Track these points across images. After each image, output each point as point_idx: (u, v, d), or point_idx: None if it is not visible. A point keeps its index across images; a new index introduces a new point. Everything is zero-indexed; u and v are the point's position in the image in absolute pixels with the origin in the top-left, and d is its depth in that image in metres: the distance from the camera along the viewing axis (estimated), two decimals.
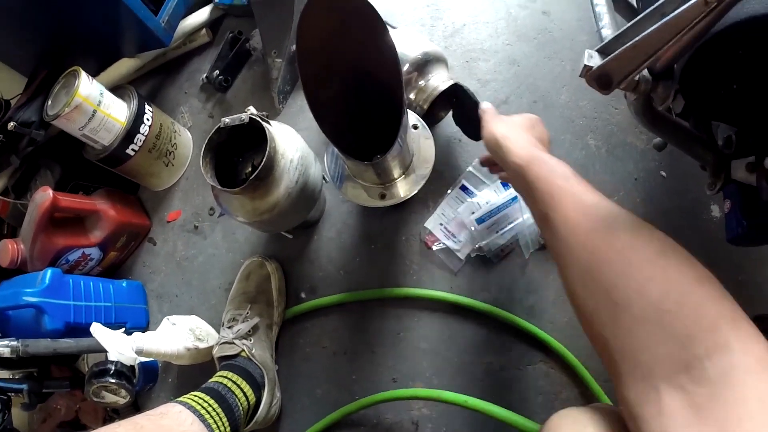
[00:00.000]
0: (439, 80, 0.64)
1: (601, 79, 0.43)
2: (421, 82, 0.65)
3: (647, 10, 0.40)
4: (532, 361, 0.66)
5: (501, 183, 0.69)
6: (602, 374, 0.62)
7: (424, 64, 0.64)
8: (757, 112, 0.43)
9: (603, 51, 0.44)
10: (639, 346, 0.29)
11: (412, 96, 0.65)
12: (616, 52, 0.41)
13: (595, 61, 0.43)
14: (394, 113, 0.51)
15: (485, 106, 0.55)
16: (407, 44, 0.64)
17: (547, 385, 0.65)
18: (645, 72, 0.43)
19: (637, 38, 0.39)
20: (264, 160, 0.56)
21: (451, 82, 0.64)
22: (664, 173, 0.71)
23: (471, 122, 0.64)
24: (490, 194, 0.69)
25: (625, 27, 0.43)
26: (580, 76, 0.44)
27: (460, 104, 0.67)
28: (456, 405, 0.61)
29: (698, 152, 0.53)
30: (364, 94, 0.57)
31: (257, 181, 0.57)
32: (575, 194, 0.38)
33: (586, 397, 0.63)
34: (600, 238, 0.34)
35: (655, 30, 0.37)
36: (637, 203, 0.69)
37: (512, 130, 0.49)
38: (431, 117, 0.68)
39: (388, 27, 0.62)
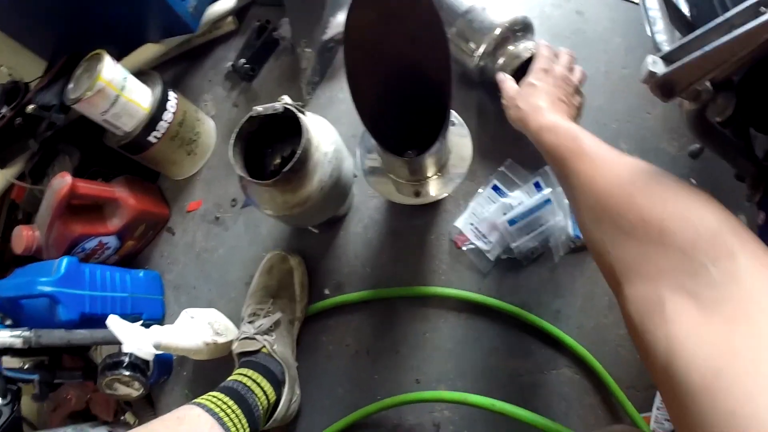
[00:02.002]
0: (530, 45, 0.66)
1: (664, 87, 0.42)
2: (511, 47, 0.65)
3: (715, 22, 0.40)
4: (557, 366, 0.65)
5: (534, 184, 0.68)
6: (626, 381, 0.61)
7: (515, 30, 0.66)
8: None
9: (667, 58, 0.43)
10: (643, 262, 0.30)
11: (500, 60, 0.66)
12: (684, 60, 0.40)
13: (659, 68, 0.42)
14: (438, 109, 0.50)
15: (507, 90, 0.59)
16: (495, 12, 0.66)
17: (571, 391, 0.64)
18: (707, 82, 0.43)
19: (706, 48, 0.38)
20: (299, 152, 0.55)
21: None
22: (694, 181, 0.70)
23: None
24: (523, 195, 0.67)
25: (691, 36, 0.42)
26: (643, 82, 0.43)
27: None
28: (482, 408, 0.60)
29: (741, 163, 0.53)
30: (409, 87, 0.55)
31: (291, 173, 0.55)
32: (581, 147, 0.41)
33: (609, 404, 0.62)
34: (606, 177, 0.37)
35: (725, 42, 0.37)
36: None
37: (525, 103, 0.54)
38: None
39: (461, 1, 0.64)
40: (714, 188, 0.67)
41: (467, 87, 0.74)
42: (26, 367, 0.72)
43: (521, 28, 0.65)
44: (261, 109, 0.59)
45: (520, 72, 0.66)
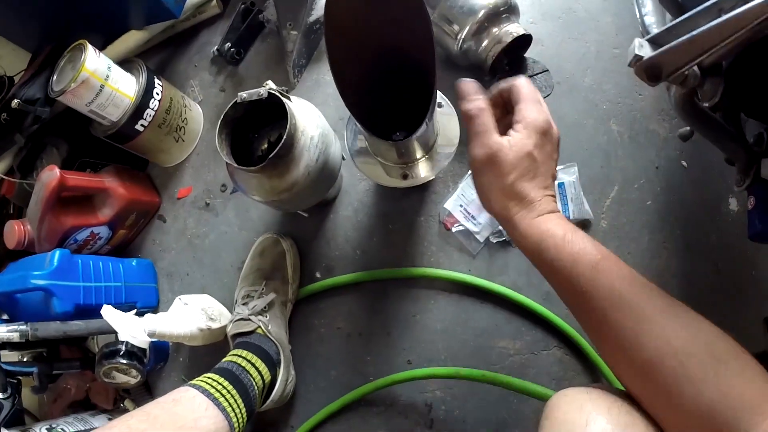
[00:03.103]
0: (514, 27, 0.65)
1: (650, 71, 0.41)
2: (495, 29, 0.65)
3: (704, 5, 0.39)
4: (547, 347, 0.66)
5: None
6: None
7: (499, 12, 0.65)
8: None
9: (654, 41, 0.42)
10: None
11: (485, 42, 0.65)
12: (671, 44, 0.39)
13: (645, 51, 0.41)
14: (424, 91, 0.49)
15: (479, 145, 0.41)
16: None
17: (561, 370, 0.65)
18: (695, 67, 0.42)
19: (694, 32, 0.37)
20: (284, 137, 0.55)
21: (526, 31, 0.64)
22: (685, 163, 0.70)
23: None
24: None
25: (679, 19, 0.41)
26: (629, 65, 0.43)
27: (518, 62, 0.68)
28: (473, 380, 0.61)
29: (731, 148, 0.53)
30: (393, 70, 0.55)
31: (276, 159, 0.55)
32: (614, 289, 0.35)
33: (598, 382, 0.64)
34: (654, 345, 0.34)
35: (714, 26, 0.36)
36: (657, 192, 0.69)
37: (514, 191, 0.40)
38: (496, 66, 0.68)
39: None
40: (705, 171, 0.68)
41: (452, 70, 0.73)
42: (25, 360, 0.73)
43: (506, 10, 0.64)
44: (246, 95, 0.58)
45: (504, 55, 0.65)
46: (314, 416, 0.69)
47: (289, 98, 0.58)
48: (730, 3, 0.38)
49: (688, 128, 0.69)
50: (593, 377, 0.65)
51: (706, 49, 0.38)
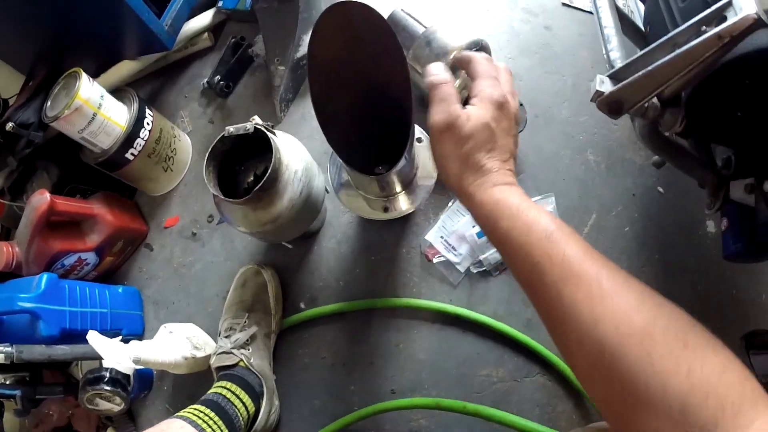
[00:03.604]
0: None
1: (611, 105, 0.44)
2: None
3: (659, 41, 0.41)
4: (530, 374, 0.67)
5: None
6: None
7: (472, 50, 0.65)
8: (759, 137, 0.44)
9: (614, 77, 0.45)
10: None
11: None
12: (629, 79, 0.41)
13: (606, 87, 0.44)
14: (403, 126, 0.51)
15: (438, 111, 0.41)
16: (450, 35, 0.65)
17: (544, 397, 0.66)
18: (654, 99, 0.44)
19: (650, 67, 0.40)
20: (269, 171, 0.56)
21: None
22: (661, 189, 0.72)
23: None
24: None
25: (636, 55, 0.44)
26: (591, 101, 0.45)
27: None
28: (455, 411, 0.62)
29: (699, 174, 0.55)
30: (373, 107, 0.57)
31: (261, 192, 0.57)
32: (567, 262, 0.32)
33: (582, 409, 0.64)
34: (610, 320, 0.30)
35: (668, 60, 0.38)
36: (634, 219, 0.71)
37: (471, 162, 0.39)
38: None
39: (420, 25, 0.61)
40: (681, 196, 0.70)
41: (426, 110, 0.76)
42: (8, 383, 0.73)
43: (479, 49, 0.66)
44: (233, 129, 0.60)
45: None
46: None
47: (274, 133, 0.60)
48: (683, 38, 0.40)
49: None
50: (576, 401, 0.65)
51: (663, 82, 0.40)
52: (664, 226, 0.70)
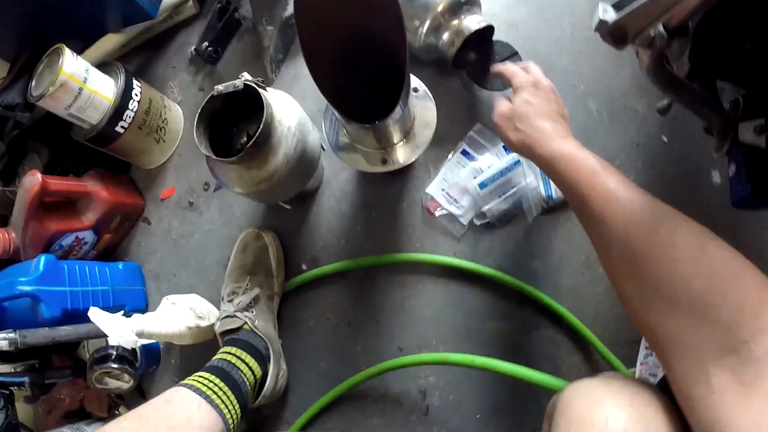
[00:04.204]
0: (473, 21, 0.63)
1: (616, 34, 0.42)
2: (455, 22, 0.63)
3: None
4: (538, 326, 0.66)
5: (503, 147, 0.68)
6: (608, 337, 0.62)
7: (458, 5, 0.63)
8: None
9: (617, 6, 0.43)
10: (687, 335, 0.31)
11: (445, 37, 0.64)
12: (633, 6, 0.39)
13: (610, 15, 0.41)
14: (397, 75, 0.49)
15: (499, 107, 0.53)
16: None
17: (553, 349, 0.65)
18: (660, 28, 0.42)
19: None
20: (261, 126, 0.55)
21: (486, 23, 0.63)
22: (665, 138, 0.70)
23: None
24: (493, 158, 0.68)
25: None
26: (595, 30, 0.43)
27: (486, 50, 0.67)
28: (463, 366, 0.61)
29: (707, 114, 0.53)
30: (366, 55, 0.55)
31: (254, 149, 0.55)
32: (607, 190, 0.39)
33: (592, 362, 0.63)
34: (640, 234, 0.36)
35: None
36: (638, 168, 0.69)
37: (527, 125, 0.49)
38: (459, 60, 0.67)
39: None
40: (686, 146, 0.68)
41: (416, 65, 0.73)
42: (18, 371, 0.73)
43: (466, 2, 0.63)
44: (222, 87, 0.58)
45: (465, 48, 0.65)
46: (308, 410, 0.69)
47: (264, 89, 0.58)
48: None
49: (665, 102, 0.70)
50: (585, 354, 0.64)
51: (669, 7, 0.38)
52: (668, 176, 0.68)
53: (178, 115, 0.88)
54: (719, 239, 0.34)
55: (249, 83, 0.57)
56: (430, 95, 0.63)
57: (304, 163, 0.61)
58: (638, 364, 0.61)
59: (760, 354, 0.28)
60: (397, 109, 0.52)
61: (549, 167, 0.46)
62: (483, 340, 0.66)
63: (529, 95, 0.51)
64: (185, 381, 0.56)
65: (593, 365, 0.64)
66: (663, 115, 0.66)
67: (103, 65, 0.81)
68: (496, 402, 0.65)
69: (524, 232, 0.67)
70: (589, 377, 0.38)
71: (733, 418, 0.28)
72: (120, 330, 0.65)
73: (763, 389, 0.27)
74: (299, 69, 0.81)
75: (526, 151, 0.49)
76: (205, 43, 0.84)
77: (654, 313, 0.34)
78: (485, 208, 0.66)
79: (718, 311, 0.30)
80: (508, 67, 0.55)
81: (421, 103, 0.62)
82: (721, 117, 0.51)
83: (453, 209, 0.67)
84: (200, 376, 0.57)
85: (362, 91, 0.59)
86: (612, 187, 0.39)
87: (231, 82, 0.58)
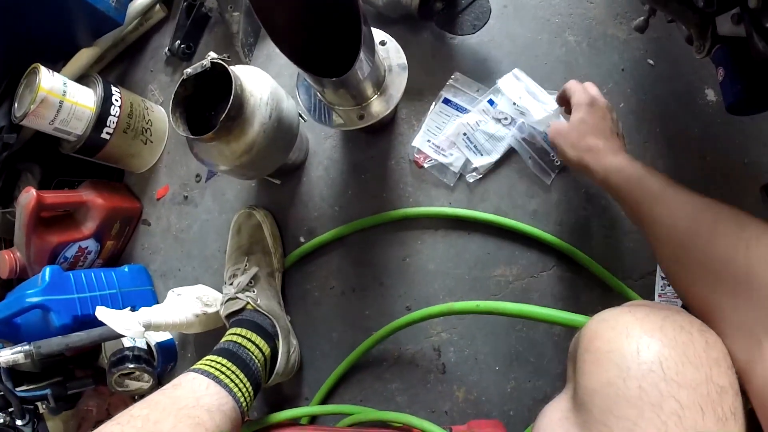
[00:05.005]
0: None
1: None
2: None
3: None
4: (546, 267, 0.64)
5: (488, 102, 0.66)
6: (620, 272, 0.60)
7: None
8: None
9: None
10: (736, 311, 0.32)
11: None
12: None
13: None
14: (358, 29, 0.49)
15: (556, 127, 0.57)
16: None
17: (565, 289, 0.63)
18: None
19: None
20: (231, 98, 0.54)
21: None
22: (651, 61, 0.68)
23: (460, 15, 0.65)
24: (479, 115, 0.66)
25: None
26: None
27: None
28: (468, 313, 0.59)
29: (681, 12, 0.51)
30: (324, 12, 0.54)
31: (228, 121, 0.55)
32: (654, 193, 0.43)
33: (607, 298, 0.61)
34: (684, 225, 0.39)
35: None
36: (627, 94, 0.67)
37: (583, 143, 0.52)
38: (425, 11, 0.66)
39: None
40: (674, 66, 0.66)
41: (386, 24, 0.72)
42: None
43: None
44: (191, 69, 0.59)
45: None
46: (325, 383, 0.68)
47: (231, 63, 0.58)
48: None
49: (642, 18, 0.68)
50: (600, 291, 0.62)
51: None
52: (660, 98, 0.66)
53: (161, 115, 0.89)
54: (758, 220, 0.35)
55: (216, 61, 0.57)
56: (399, 47, 0.62)
57: (283, 131, 0.60)
58: (656, 296, 0.59)
59: None
60: (363, 62, 0.51)
61: (604, 182, 0.48)
62: (491, 288, 0.65)
63: (585, 113, 0.53)
64: (194, 366, 0.56)
65: (608, 301, 0.61)
66: (641, 32, 0.64)
67: (81, 78, 0.82)
68: (513, 351, 0.63)
69: (518, 172, 0.66)
70: (611, 308, 0.36)
71: None
72: (126, 323, 0.65)
73: None
74: (270, 49, 0.81)
75: (583, 168, 0.52)
76: (177, 42, 0.85)
77: (704, 294, 0.35)
78: (477, 163, 0.64)
79: (761, 280, 0.31)
80: (569, 86, 0.58)
81: (392, 55, 0.61)
82: (696, 14, 0.49)
83: (442, 158, 0.66)
84: (208, 359, 0.57)
85: (328, 50, 0.59)
86: (658, 189, 0.43)
87: (199, 63, 0.58)
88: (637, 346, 0.29)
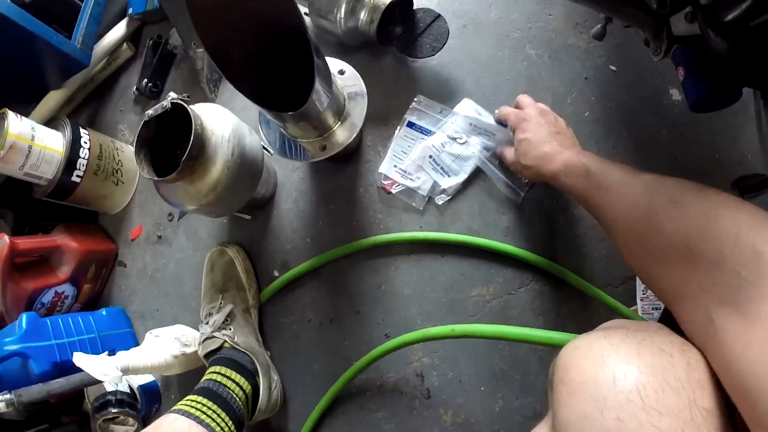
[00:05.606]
0: None
1: None
2: (368, 1, 0.64)
3: None
4: (523, 283, 0.64)
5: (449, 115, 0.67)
6: (599, 280, 0.60)
7: None
8: None
9: None
10: (685, 285, 0.32)
11: (362, 16, 0.65)
12: None
13: None
14: (310, 60, 0.49)
15: (506, 155, 0.59)
16: None
17: (545, 303, 0.63)
18: None
19: None
20: (192, 138, 0.54)
21: None
22: (614, 67, 0.68)
23: (419, 38, 0.66)
24: (442, 137, 0.66)
25: None
26: None
27: (409, 20, 0.67)
28: (444, 338, 0.58)
29: (634, 16, 0.51)
30: (278, 48, 0.55)
31: (190, 161, 0.55)
32: (598, 182, 0.44)
33: (589, 308, 0.61)
34: (628, 209, 0.39)
35: None
36: (592, 101, 0.67)
37: (530, 159, 0.54)
38: (385, 36, 0.67)
39: None
40: (637, 71, 0.66)
41: (348, 53, 0.73)
42: None
43: None
44: (152, 111, 0.59)
45: (389, 24, 0.65)
46: (309, 418, 0.67)
47: (190, 103, 0.58)
48: None
49: (599, 26, 0.68)
50: (579, 301, 0.61)
51: None
52: (626, 103, 0.66)
53: (132, 154, 0.88)
54: (694, 186, 0.35)
55: (175, 101, 0.57)
56: (357, 74, 0.62)
57: (247, 167, 0.60)
58: (638, 300, 0.59)
59: (752, 278, 0.27)
60: (320, 92, 0.51)
61: (558, 185, 0.50)
62: (469, 309, 0.64)
63: (521, 132, 0.56)
64: (174, 407, 0.56)
65: (591, 312, 0.61)
66: (600, 40, 0.64)
67: (50, 121, 0.82)
68: (497, 370, 0.62)
69: (487, 189, 0.66)
70: (586, 333, 0.34)
71: (741, 355, 0.27)
72: (104, 369, 0.64)
73: (760, 310, 0.26)
74: None
75: (541, 180, 0.53)
76: (145, 80, 0.85)
77: (654, 275, 0.35)
78: (444, 185, 0.64)
79: (701, 252, 0.31)
80: (503, 112, 0.61)
81: (351, 83, 0.61)
82: (650, 16, 0.49)
83: (409, 183, 0.66)
84: (188, 399, 0.57)
85: (286, 84, 0.59)
86: (600, 177, 0.43)
87: (159, 104, 0.58)
88: (613, 374, 0.28)
